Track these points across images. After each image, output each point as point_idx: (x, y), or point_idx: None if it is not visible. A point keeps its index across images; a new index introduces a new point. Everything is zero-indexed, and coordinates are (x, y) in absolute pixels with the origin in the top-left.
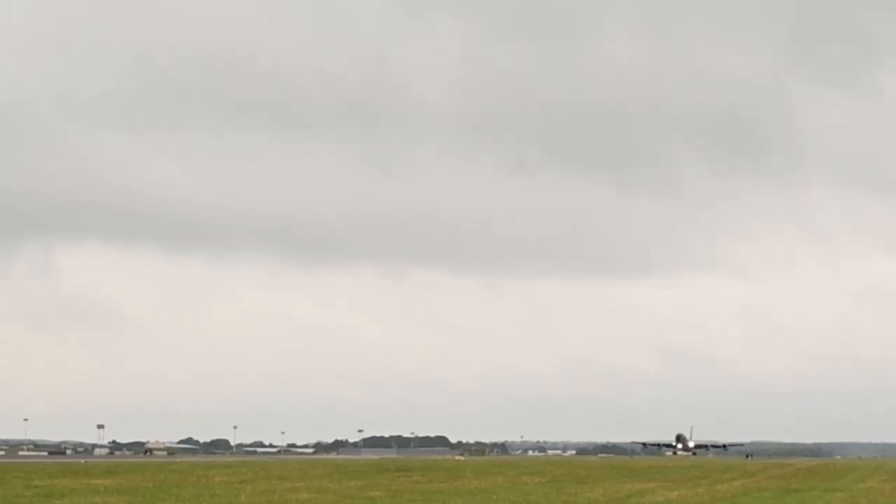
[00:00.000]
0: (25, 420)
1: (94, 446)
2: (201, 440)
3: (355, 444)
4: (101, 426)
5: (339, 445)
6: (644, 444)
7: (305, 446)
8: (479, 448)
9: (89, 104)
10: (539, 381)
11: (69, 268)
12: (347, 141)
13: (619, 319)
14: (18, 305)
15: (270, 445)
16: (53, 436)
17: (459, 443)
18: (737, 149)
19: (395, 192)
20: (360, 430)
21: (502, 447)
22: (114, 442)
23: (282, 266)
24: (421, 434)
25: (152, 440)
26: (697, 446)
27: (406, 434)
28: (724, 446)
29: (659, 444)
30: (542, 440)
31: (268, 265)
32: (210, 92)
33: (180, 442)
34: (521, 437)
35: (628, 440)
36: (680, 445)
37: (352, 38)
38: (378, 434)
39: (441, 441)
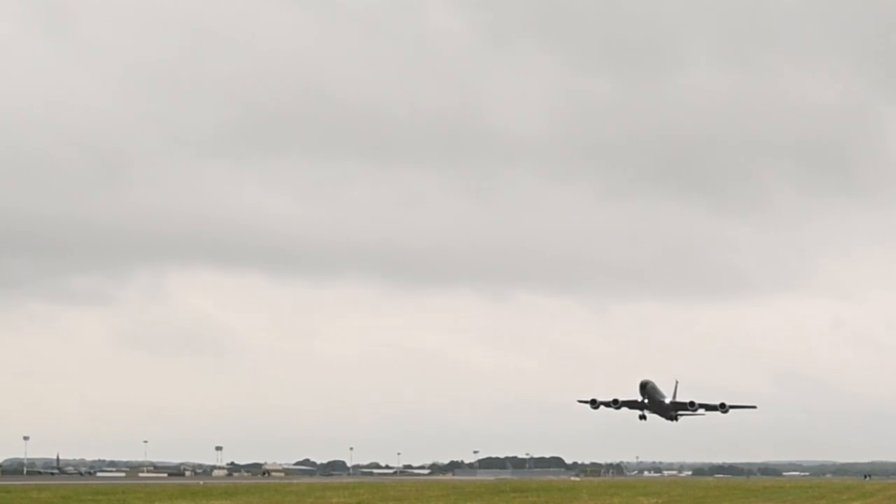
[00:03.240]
0: (145, 442)
1: (213, 468)
2: (318, 461)
3: (471, 465)
4: (219, 448)
5: (454, 466)
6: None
7: (421, 467)
8: (594, 469)
9: (193, 137)
10: None
11: (181, 294)
12: (442, 169)
13: (720, 340)
14: (133, 331)
15: (387, 466)
16: (173, 458)
17: (575, 463)
18: (825, 170)
19: (492, 217)
20: (475, 452)
21: (618, 468)
22: (232, 463)
23: (385, 290)
24: (536, 455)
25: (270, 462)
26: (676, 404)
27: (521, 455)
28: (722, 405)
29: (617, 402)
30: (657, 461)
31: (372, 289)
32: (308, 123)
33: (297, 463)
34: (637, 457)
35: (743, 461)
36: (646, 400)
37: (444, 69)
38: (493, 455)
39: (556, 462)
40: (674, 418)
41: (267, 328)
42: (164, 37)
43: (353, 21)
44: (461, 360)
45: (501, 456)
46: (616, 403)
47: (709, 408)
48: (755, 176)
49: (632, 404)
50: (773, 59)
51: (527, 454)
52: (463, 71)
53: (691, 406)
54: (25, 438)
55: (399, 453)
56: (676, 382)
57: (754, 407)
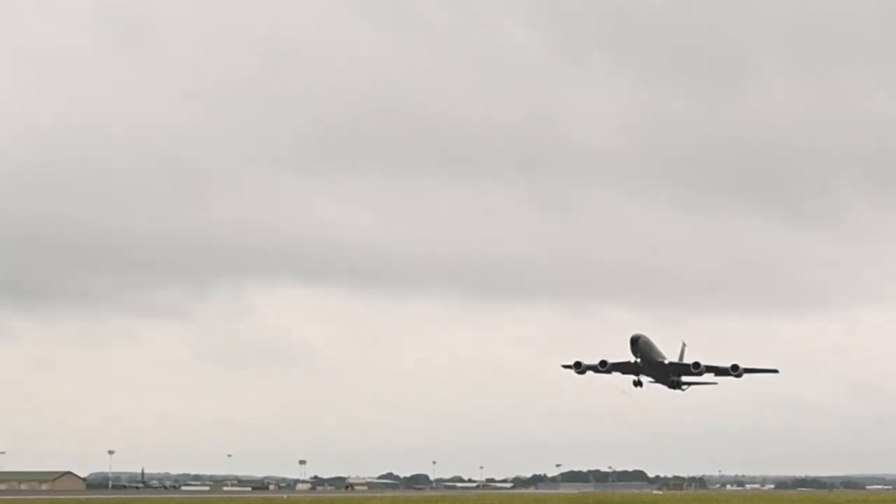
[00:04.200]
0: (229, 456)
1: (297, 482)
2: (401, 475)
3: (553, 479)
4: (302, 462)
5: (537, 480)
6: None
7: (504, 481)
8: (676, 482)
9: (272, 153)
10: (734, 415)
11: (262, 308)
12: (519, 183)
13: (798, 353)
14: (215, 345)
15: (469, 480)
16: (256, 471)
17: (657, 477)
18: None
19: (570, 230)
20: (557, 465)
21: (700, 481)
22: (315, 477)
23: (464, 302)
24: (619, 468)
25: (353, 475)
26: (676, 366)
27: (604, 468)
28: (734, 368)
29: (605, 363)
30: (740, 474)
31: (451, 302)
32: (386, 138)
33: (380, 477)
34: (720, 471)
35: (826, 474)
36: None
37: (519, 85)
38: (576, 469)
39: (639, 475)
40: (677, 385)
41: (348, 341)
42: (242, 55)
43: (429, 37)
44: (541, 372)
45: (584, 469)
46: (604, 366)
47: (718, 371)
48: (831, 188)
49: (624, 367)
50: (848, 72)
51: (609, 468)
52: (538, 86)
53: (695, 368)
54: (110, 452)
55: (482, 467)
56: (683, 345)
57: (775, 371)
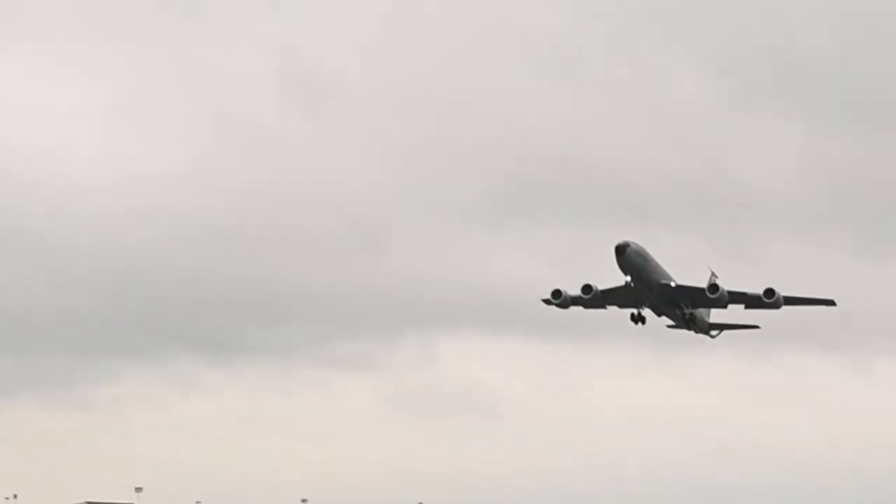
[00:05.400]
0: None
1: None
2: None
3: None
4: None
5: None
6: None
7: None
8: None
9: (451, 205)
10: None
11: (448, 358)
12: (695, 231)
13: None
14: (403, 395)
15: None
16: None
17: None
18: None
19: (748, 276)
20: None
21: None
22: None
23: (646, 349)
24: None
25: None
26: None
27: None
28: (769, 294)
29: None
30: None
31: (634, 348)
32: (563, 190)
33: None
34: None
35: None
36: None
37: (692, 135)
38: None
39: None
40: (690, 322)
41: (533, 389)
42: (418, 110)
43: (603, 90)
44: (729, 420)
45: None
46: (589, 293)
47: (749, 302)
48: None
49: (618, 295)
50: None
51: None
52: (711, 135)
53: (712, 293)
54: (303, 501)
55: None
56: (712, 274)
57: (831, 303)
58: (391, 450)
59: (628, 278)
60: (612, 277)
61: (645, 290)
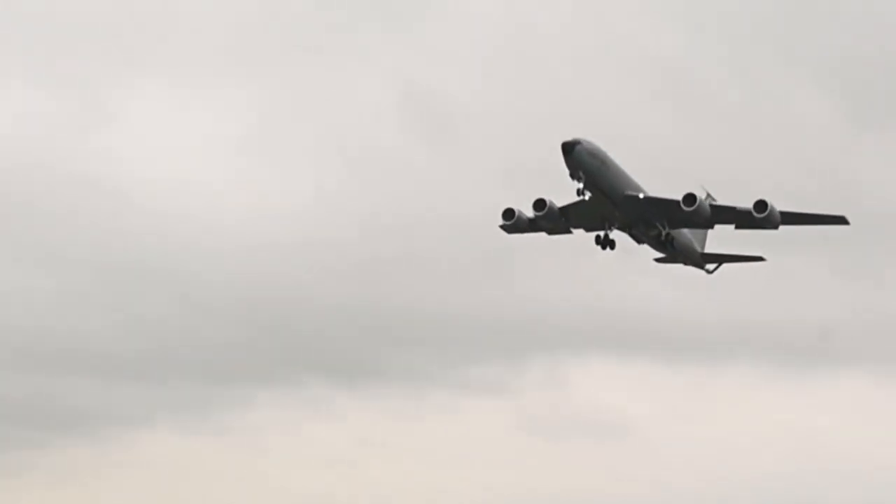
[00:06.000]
0: None
1: None
2: None
3: None
4: None
5: None
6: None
7: None
8: None
9: None
10: None
11: (577, 382)
12: (819, 254)
13: None
14: (532, 419)
15: None
16: None
17: None
18: None
19: (878, 299)
20: None
21: None
22: None
23: (778, 372)
24: None
25: None
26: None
27: None
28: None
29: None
30: None
31: (763, 371)
32: None
33: None
34: None
35: None
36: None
37: (812, 155)
38: None
39: None
40: (670, 247)
41: (663, 413)
42: (538, 133)
43: (722, 112)
44: (864, 443)
45: None
46: (542, 208)
47: (739, 220)
48: None
49: (581, 214)
50: None
51: None
52: (831, 155)
53: (688, 204)
54: None
55: None
56: (708, 195)
57: (843, 220)
58: (521, 473)
59: (580, 185)
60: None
61: (607, 204)
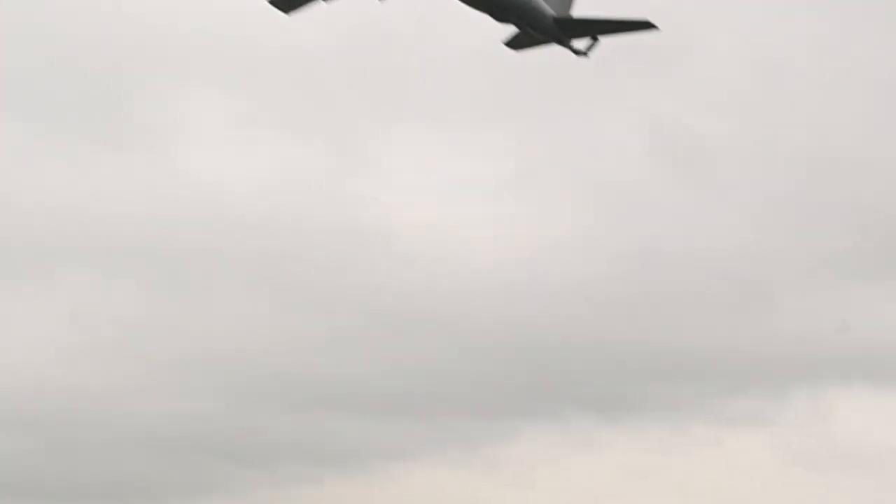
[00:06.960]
0: None
1: None
2: None
3: None
4: None
5: None
6: None
7: None
8: None
9: (835, 262)
10: None
11: (840, 412)
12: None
13: None
14: (795, 451)
15: None
16: None
17: None
18: None
19: None
20: None
21: None
22: None
23: None
24: None
25: None
26: None
27: None
28: None
29: None
30: None
31: None
32: None
33: None
34: None
35: None
36: None
37: None
38: None
39: None
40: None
41: None
42: (789, 167)
43: None
44: None
45: None
46: None
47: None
48: None
49: None
50: None
51: None
52: None
53: None
54: None
55: None
56: None
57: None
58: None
59: None
60: None
61: None
